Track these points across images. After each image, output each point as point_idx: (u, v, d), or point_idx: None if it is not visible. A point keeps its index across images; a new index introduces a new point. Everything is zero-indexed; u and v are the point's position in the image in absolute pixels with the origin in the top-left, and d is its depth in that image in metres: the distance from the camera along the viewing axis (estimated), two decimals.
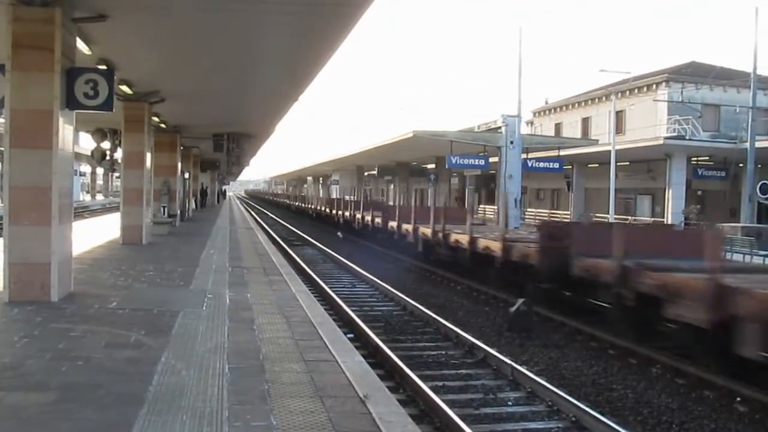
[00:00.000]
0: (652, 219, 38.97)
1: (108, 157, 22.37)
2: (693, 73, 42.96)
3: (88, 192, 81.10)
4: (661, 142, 34.98)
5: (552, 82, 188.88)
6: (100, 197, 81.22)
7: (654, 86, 43.07)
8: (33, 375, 5.96)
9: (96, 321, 8.27)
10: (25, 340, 7.15)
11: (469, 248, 18.02)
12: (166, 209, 25.04)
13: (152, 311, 8.98)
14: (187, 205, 33.88)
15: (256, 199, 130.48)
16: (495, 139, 32.22)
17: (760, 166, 31.78)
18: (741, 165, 32.83)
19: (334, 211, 41.65)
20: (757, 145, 30.75)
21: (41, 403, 5.23)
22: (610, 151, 35.98)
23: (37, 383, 5.73)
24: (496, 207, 35.03)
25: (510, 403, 8.43)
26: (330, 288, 16.06)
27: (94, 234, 20.62)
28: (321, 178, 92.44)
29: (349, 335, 10.04)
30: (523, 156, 31.83)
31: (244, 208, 68.22)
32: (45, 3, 9.08)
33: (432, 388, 8.26)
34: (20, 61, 9.06)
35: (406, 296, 15.27)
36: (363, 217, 32.60)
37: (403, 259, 23.84)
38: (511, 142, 31.08)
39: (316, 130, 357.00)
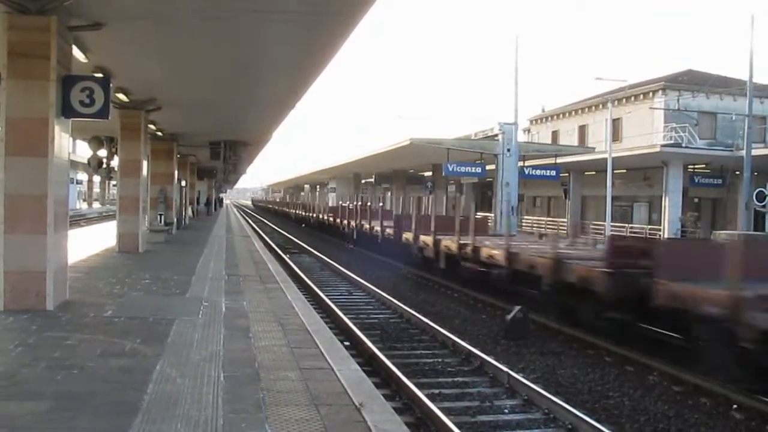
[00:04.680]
0: (649, 226, 39.02)
1: (104, 165, 22.36)
2: (689, 81, 43.08)
3: (84, 200, 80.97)
4: (657, 149, 35.04)
5: (549, 90, 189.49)
6: (96, 205, 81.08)
7: (651, 94, 43.19)
8: (28, 384, 5.95)
9: (91, 329, 8.25)
10: (20, 349, 7.14)
11: (369, 231, 29.84)
12: (162, 217, 25.01)
13: (148, 319, 8.96)
14: (183, 213, 33.85)
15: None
16: (492, 146, 32.27)
17: (756, 173, 31.86)
18: (737, 173, 32.89)
19: (312, 215, 51.99)
20: (753, 152, 30.80)
21: (36, 412, 5.22)
22: (606, 159, 36.05)
23: (31, 392, 5.71)
24: (492, 214, 35.01)
25: (506, 410, 8.41)
26: (326, 295, 16.04)
27: (90, 242, 20.61)
28: (318, 186, 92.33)
29: (345, 343, 10.02)
30: (520, 163, 31.87)
31: (242, 215, 68.06)
32: (41, 11, 9.10)
33: (428, 396, 8.24)
34: (16, 70, 9.08)
35: (403, 303, 15.25)
36: (326, 217, 44.18)
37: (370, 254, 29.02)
38: (508, 150, 31.13)
39: (314, 139, 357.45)
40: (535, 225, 46.17)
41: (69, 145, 10.32)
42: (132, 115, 18.18)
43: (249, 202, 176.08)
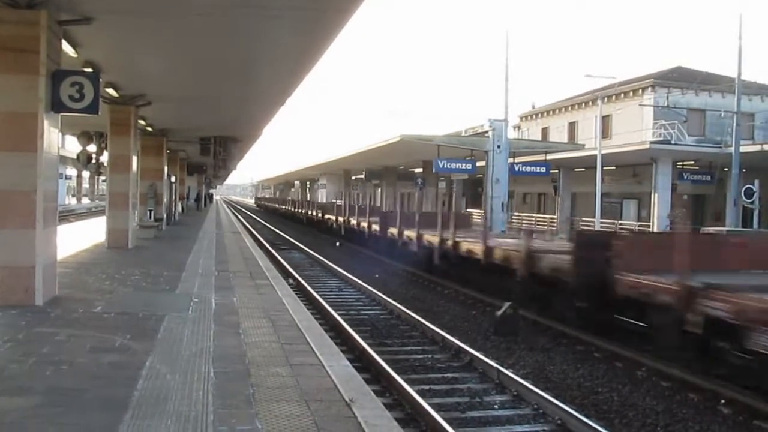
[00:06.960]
0: (638, 223, 39.18)
1: (94, 161, 22.23)
2: (679, 78, 43.25)
3: (74, 195, 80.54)
4: (647, 146, 35.15)
5: (539, 87, 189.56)
6: (86, 201, 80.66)
7: (640, 91, 43.31)
8: (16, 379, 5.93)
9: (81, 325, 8.23)
10: (9, 345, 7.11)
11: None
12: (152, 213, 24.92)
13: (137, 315, 8.94)
14: (173, 209, 33.74)
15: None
16: (482, 143, 32.28)
17: (744, 170, 32.00)
18: (726, 169, 33.04)
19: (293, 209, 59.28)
20: (742, 149, 30.94)
21: (25, 407, 5.20)
22: (596, 156, 36.15)
23: (20, 388, 5.68)
24: (483, 210, 35.07)
25: (496, 406, 8.45)
26: (316, 292, 16.03)
27: (79, 238, 20.50)
28: (308, 183, 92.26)
29: (335, 339, 10.02)
30: (510, 160, 31.90)
31: (231, 212, 67.59)
32: (30, 5, 9.04)
33: (418, 392, 8.26)
34: (5, 64, 9.01)
35: (393, 300, 15.27)
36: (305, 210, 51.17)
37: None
38: (498, 147, 31.13)
39: (304, 135, 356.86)
40: (524, 221, 46.29)
41: (58, 140, 10.27)
42: (122, 111, 18.10)
43: (243, 199, 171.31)
